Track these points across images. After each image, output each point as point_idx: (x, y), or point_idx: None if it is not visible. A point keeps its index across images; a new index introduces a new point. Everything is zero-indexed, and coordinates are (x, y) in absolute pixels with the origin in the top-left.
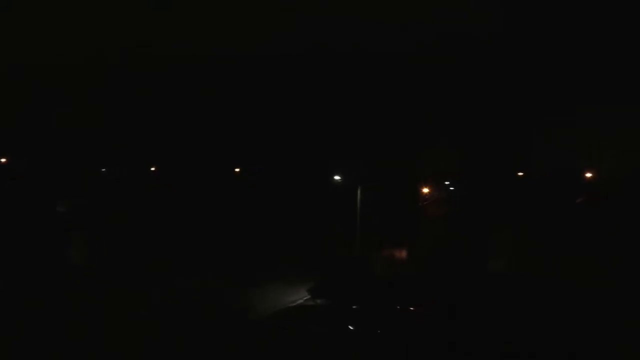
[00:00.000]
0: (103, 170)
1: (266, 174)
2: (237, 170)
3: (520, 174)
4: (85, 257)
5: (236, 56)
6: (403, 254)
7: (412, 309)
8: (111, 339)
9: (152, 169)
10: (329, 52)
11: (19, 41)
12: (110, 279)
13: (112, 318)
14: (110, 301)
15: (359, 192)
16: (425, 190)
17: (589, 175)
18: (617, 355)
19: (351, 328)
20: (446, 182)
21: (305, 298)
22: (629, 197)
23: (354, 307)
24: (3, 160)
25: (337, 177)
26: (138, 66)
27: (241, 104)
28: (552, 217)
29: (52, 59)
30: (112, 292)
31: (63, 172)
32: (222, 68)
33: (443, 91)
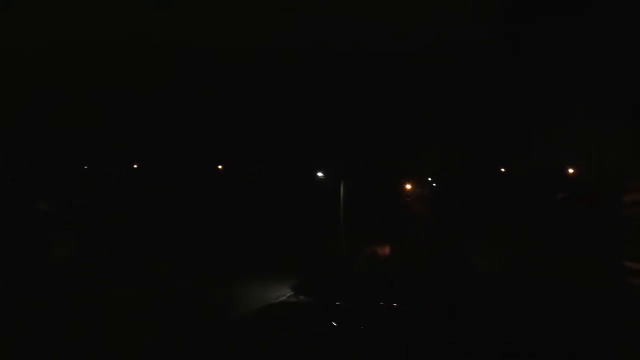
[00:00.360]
0: (86, 167)
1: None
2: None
3: (502, 170)
4: (68, 256)
5: (236, 56)
6: (387, 250)
7: (395, 305)
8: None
9: (136, 166)
10: (329, 52)
11: (18, 40)
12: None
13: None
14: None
15: (341, 188)
16: (408, 186)
17: (571, 171)
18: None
19: (335, 324)
20: (429, 179)
21: (288, 295)
22: (612, 194)
23: (337, 303)
24: None
25: (320, 174)
26: (138, 66)
27: (242, 104)
28: (536, 214)
29: (49, 58)
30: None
31: (52, 171)
32: (223, 68)
33: (432, 89)
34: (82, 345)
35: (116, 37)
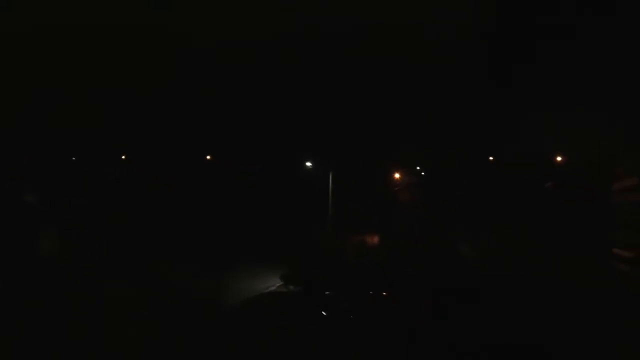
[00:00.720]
0: (73, 158)
1: (257, 166)
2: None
3: (490, 158)
4: (68, 256)
5: (237, 54)
6: (376, 239)
7: (385, 294)
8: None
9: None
10: (326, 49)
11: (19, 41)
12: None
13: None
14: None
15: (330, 177)
16: (397, 175)
17: (559, 159)
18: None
19: (324, 314)
20: (417, 167)
21: (278, 284)
22: (601, 181)
23: (326, 293)
24: None
25: (309, 164)
26: (136, 65)
27: (234, 98)
28: (525, 202)
29: (49, 58)
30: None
31: (50, 170)
32: (224, 68)
33: (422, 81)
34: (82, 345)
35: (116, 37)
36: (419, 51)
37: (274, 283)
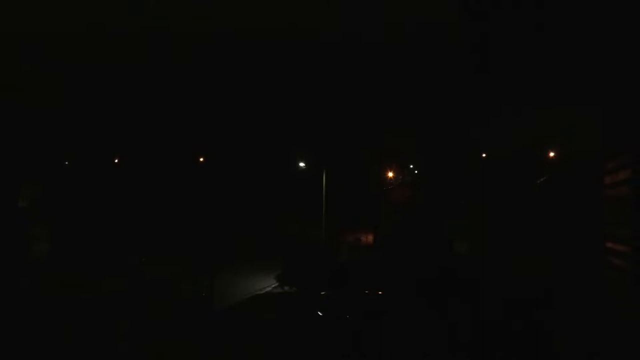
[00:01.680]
0: (71, 160)
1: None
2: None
3: (484, 155)
4: (45, 251)
5: (237, 54)
6: (369, 238)
7: (380, 293)
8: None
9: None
10: (324, 48)
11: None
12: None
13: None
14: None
15: (324, 176)
16: (390, 174)
17: (552, 154)
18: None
19: (320, 314)
20: (411, 166)
21: (273, 285)
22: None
23: (322, 293)
24: None
25: (302, 164)
26: (136, 65)
27: (245, 105)
28: (517, 198)
29: (49, 57)
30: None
31: (40, 169)
32: (223, 68)
33: (413, 76)
34: (82, 345)
35: (116, 37)
36: (414, 49)
37: (269, 284)
